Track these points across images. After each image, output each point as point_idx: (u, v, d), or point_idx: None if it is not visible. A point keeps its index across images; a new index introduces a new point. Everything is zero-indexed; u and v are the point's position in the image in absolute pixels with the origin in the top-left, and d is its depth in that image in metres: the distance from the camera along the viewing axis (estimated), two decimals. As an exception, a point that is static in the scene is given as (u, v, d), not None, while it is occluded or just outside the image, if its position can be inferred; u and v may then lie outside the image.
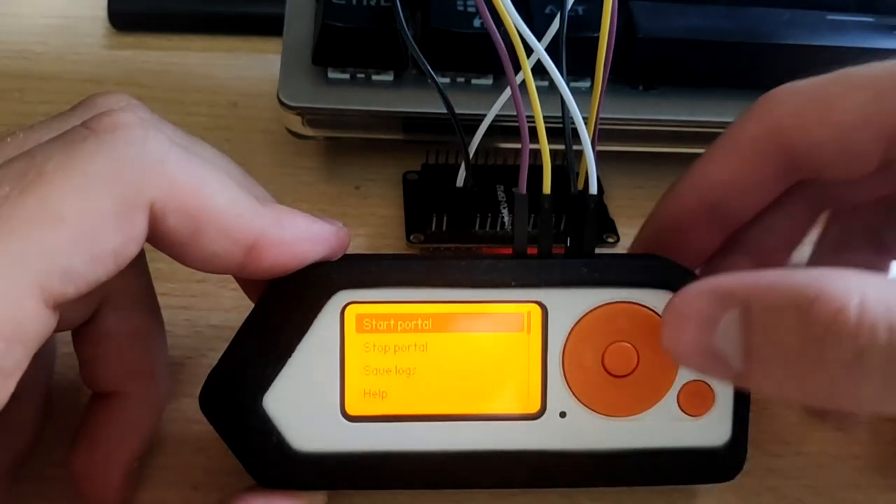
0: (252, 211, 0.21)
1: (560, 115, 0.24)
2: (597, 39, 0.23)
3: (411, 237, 0.32)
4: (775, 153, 0.24)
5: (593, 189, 0.24)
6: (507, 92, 0.27)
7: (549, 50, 0.23)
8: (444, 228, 0.32)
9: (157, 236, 0.20)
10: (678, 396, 0.24)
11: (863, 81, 0.22)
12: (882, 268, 0.29)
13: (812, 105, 0.23)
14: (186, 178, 0.20)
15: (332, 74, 0.32)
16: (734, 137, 0.25)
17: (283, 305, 0.23)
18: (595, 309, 0.23)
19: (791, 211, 0.26)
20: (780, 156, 0.23)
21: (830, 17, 0.32)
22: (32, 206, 0.18)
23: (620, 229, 0.33)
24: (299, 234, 0.22)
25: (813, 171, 0.24)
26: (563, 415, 0.23)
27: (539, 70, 0.23)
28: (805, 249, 0.28)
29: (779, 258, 0.27)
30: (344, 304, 0.23)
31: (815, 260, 0.29)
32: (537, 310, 0.23)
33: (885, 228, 0.28)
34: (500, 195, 0.32)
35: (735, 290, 0.20)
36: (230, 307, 0.29)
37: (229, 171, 0.22)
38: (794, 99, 0.23)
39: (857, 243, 0.28)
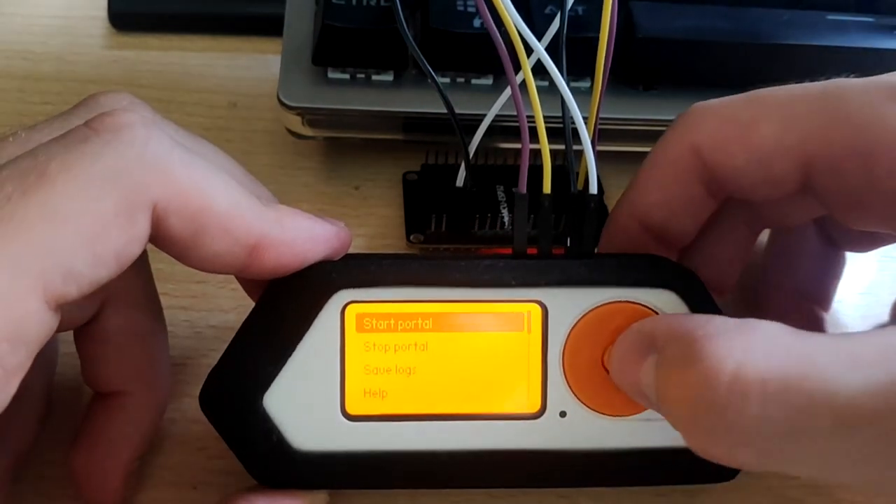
0: (254, 212, 0.21)
1: (560, 114, 0.24)
2: (597, 39, 0.23)
3: (411, 237, 0.32)
4: (697, 172, 0.23)
5: (593, 189, 0.24)
6: (507, 92, 0.27)
7: (549, 50, 0.23)
8: (443, 228, 0.32)
9: (160, 237, 0.20)
10: (678, 396, 0.24)
11: (776, 105, 0.22)
12: (836, 260, 0.29)
13: (729, 127, 0.23)
14: (189, 179, 0.20)
15: (332, 74, 0.32)
16: (657, 158, 0.24)
17: (284, 305, 0.23)
18: (595, 308, 0.23)
19: (730, 231, 0.26)
20: (703, 174, 0.23)
21: (830, 17, 0.32)
22: (35, 207, 0.18)
23: (620, 229, 0.33)
24: (301, 235, 0.22)
25: (736, 191, 0.24)
26: (563, 414, 0.23)
27: (539, 70, 0.23)
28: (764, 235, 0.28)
29: (728, 274, 0.27)
30: (344, 303, 0.23)
31: (769, 251, 0.29)
32: (537, 309, 0.23)
33: (832, 228, 0.28)
34: (500, 195, 0.32)
35: (656, 335, 0.20)
36: (230, 308, 0.29)
37: (231, 171, 0.22)
38: (712, 120, 0.23)
39: (808, 236, 0.28)
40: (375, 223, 0.33)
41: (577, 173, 0.24)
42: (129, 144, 0.19)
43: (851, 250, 0.29)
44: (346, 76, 0.32)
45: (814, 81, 0.22)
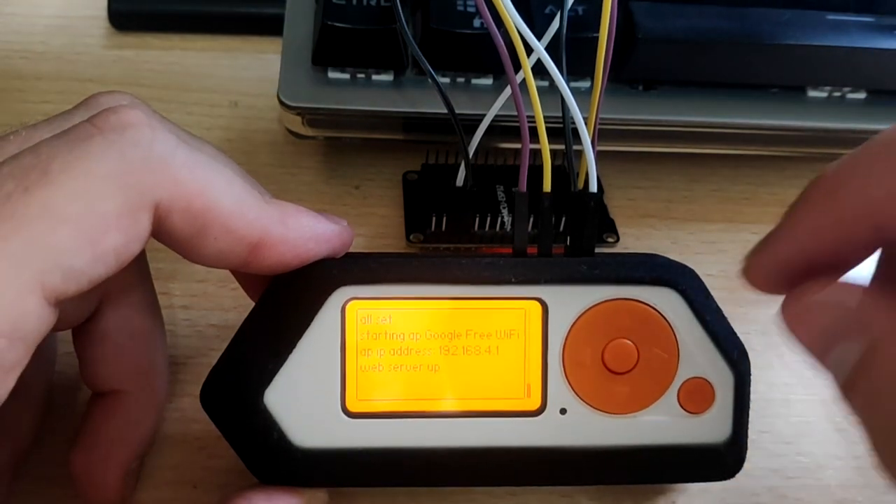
0: (257, 209, 0.21)
1: (560, 114, 0.24)
2: (597, 39, 0.23)
3: (411, 237, 0.32)
4: (874, 222, 0.20)
5: (593, 188, 0.24)
6: (507, 92, 0.27)
7: (550, 50, 0.23)
8: (443, 228, 0.32)
9: (162, 234, 0.20)
10: (678, 394, 0.24)
11: None
12: None
13: None
14: (192, 178, 0.20)
15: (332, 74, 0.32)
16: (828, 206, 0.20)
17: (285, 301, 0.23)
18: (595, 306, 0.23)
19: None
20: (879, 225, 0.20)
21: (830, 17, 0.32)
22: (35, 206, 0.18)
23: (620, 229, 0.33)
24: (303, 234, 0.22)
25: None
26: (563, 412, 0.23)
27: (539, 70, 0.23)
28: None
29: None
30: (345, 300, 0.23)
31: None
32: (537, 307, 0.23)
33: None
34: (500, 195, 0.32)
35: (869, 320, 0.18)
36: (231, 307, 0.29)
37: (232, 168, 0.22)
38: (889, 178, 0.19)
39: None
40: (375, 223, 0.33)
41: (577, 173, 0.24)
42: (134, 144, 0.19)
43: None
44: (346, 76, 0.32)
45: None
